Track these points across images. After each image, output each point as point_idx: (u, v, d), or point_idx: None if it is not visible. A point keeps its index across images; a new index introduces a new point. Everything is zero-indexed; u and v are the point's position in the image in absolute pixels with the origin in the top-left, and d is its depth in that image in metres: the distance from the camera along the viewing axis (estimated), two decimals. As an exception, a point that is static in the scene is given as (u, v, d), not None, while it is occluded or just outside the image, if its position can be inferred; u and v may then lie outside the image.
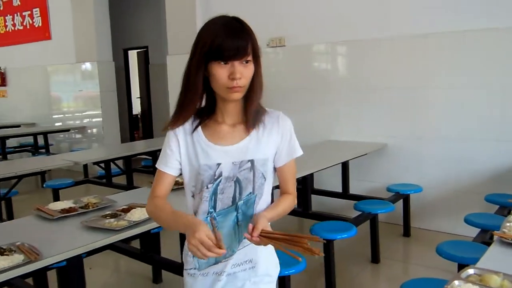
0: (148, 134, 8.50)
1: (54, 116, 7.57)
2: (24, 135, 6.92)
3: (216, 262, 1.28)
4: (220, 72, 1.14)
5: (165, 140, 1.28)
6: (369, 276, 3.27)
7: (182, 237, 2.11)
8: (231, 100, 1.21)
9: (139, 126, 9.33)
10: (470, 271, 1.40)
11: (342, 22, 4.34)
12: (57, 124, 7.52)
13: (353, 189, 4.26)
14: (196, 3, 5.22)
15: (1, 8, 8.01)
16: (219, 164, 1.23)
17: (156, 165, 1.31)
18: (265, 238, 1.14)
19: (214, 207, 1.26)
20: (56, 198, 4.48)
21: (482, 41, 3.63)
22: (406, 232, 3.92)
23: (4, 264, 1.54)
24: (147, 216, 2.02)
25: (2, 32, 8.11)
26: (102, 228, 1.94)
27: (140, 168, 5.74)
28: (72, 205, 2.29)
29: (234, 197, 1.26)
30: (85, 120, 7.08)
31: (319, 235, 2.85)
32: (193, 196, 1.28)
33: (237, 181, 1.25)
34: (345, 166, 4.03)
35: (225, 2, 4.84)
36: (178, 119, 1.24)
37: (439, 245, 2.51)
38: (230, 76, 1.14)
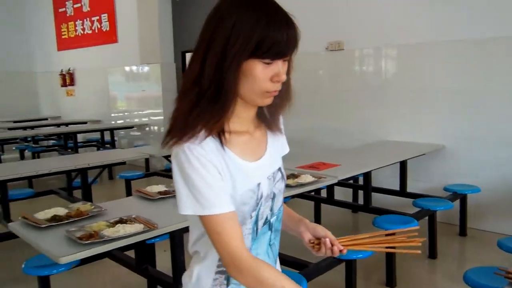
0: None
1: (116, 114, 8.11)
2: (92, 131, 7.49)
3: None
4: (263, 72, 0.90)
5: (193, 166, 0.90)
6: (427, 270, 3.42)
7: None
8: (258, 106, 1.00)
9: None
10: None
11: (399, 25, 4.48)
12: (119, 121, 8.06)
13: (409, 188, 4.38)
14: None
15: (72, 14, 8.67)
16: (259, 185, 0.99)
17: (205, 212, 0.91)
18: (349, 246, 1.09)
19: (254, 238, 1.02)
20: (129, 188, 4.90)
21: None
22: (463, 232, 4.01)
23: (131, 230, 1.85)
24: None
25: (73, 36, 8.78)
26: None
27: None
28: (166, 189, 2.61)
29: (267, 217, 1.05)
30: (145, 119, 7.55)
31: (381, 227, 3.04)
32: None
33: (273, 197, 1.05)
34: (403, 165, 4.17)
35: (284, 5, 5.08)
36: (202, 133, 0.92)
37: (500, 239, 2.64)
38: (275, 78, 0.92)
